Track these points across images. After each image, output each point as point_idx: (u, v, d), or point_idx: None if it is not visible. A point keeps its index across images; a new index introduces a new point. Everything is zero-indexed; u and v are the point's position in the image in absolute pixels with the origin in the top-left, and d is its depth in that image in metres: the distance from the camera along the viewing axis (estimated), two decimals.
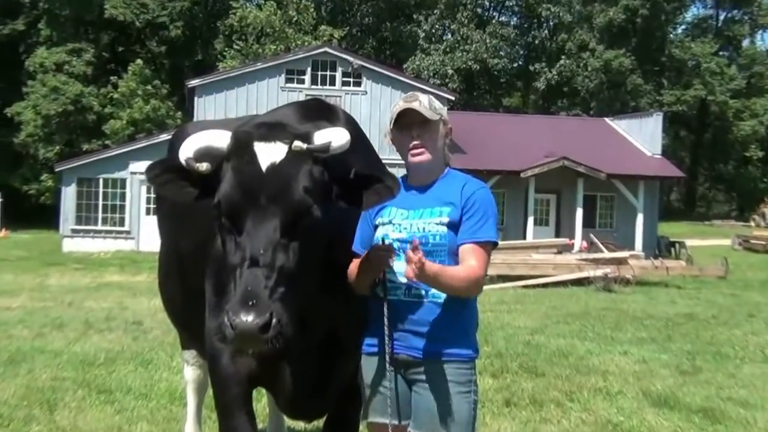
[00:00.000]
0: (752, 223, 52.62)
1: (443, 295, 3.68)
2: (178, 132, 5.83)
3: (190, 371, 6.11)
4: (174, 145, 5.39)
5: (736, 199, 72.08)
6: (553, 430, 7.23)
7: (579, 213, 33.61)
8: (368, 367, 3.85)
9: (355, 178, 3.52)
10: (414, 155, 3.81)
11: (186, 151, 3.45)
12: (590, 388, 8.79)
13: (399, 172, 3.91)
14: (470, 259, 3.65)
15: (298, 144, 3.33)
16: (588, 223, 34.19)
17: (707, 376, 9.88)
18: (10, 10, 53.50)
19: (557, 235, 33.74)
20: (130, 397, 7.89)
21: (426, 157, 3.80)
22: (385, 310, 3.70)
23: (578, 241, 31.67)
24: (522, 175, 32.68)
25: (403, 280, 3.66)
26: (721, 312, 16.77)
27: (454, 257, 3.69)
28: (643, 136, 38.18)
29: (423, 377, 3.72)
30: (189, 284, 4.71)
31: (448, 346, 3.70)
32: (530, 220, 33.61)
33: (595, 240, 28.51)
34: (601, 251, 25.95)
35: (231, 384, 4.05)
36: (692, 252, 32.49)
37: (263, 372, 4.01)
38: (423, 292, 3.69)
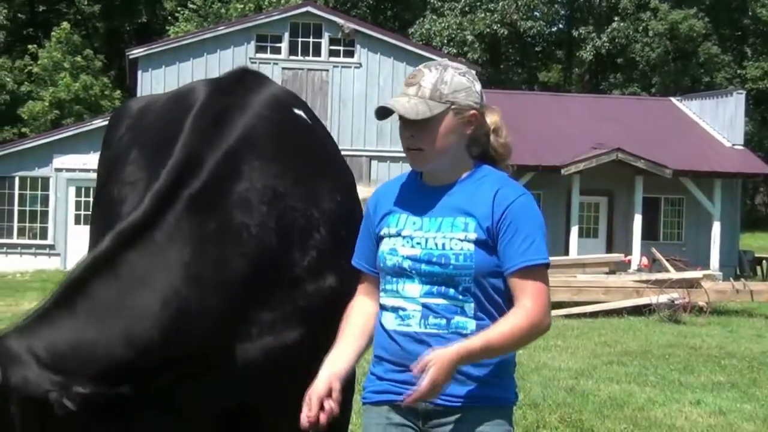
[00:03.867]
0: None
1: (470, 324, 3.59)
2: (120, 109, 5.82)
3: None
4: (113, 127, 5.46)
5: None
6: None
7: (637, 220, 33.60)
8: (371, 420, 3.76)
9: None
10: (410, 158, 3.70)
11: None
12: None
13: (403, 168, 3.92)
14: (523, 295, 3.56)
15: None
16: (649, 234, 34.18)
17: None
18: None
19: (609, 249, 33.74)
20: None
21: (423, 161, 3.68)
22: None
23: (636, 258, 31.66)
24: (563, 171, 32.69)
25: (417, 307, 3.62)
26: None
27: (480, 282, 3.60)
28: (720, 122, 38.17)
29: (447, 428, 3.64)
30: None
31: (480, 388, 3.62)
32: (574, 230, 33.59)
33: (659, 256, 28.47)
34: (667, 270, 25.94)
35: None
36: None
37: None
38: (444, 322, 3.59)
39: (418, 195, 3.75)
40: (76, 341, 3.61)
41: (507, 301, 3.62)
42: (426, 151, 3.63)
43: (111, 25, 60.34)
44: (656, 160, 32.88)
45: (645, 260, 30.22)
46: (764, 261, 35.08)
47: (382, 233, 3.75)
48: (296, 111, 4.78)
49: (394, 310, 3.68)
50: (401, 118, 3.60)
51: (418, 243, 3.64)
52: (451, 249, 3.58)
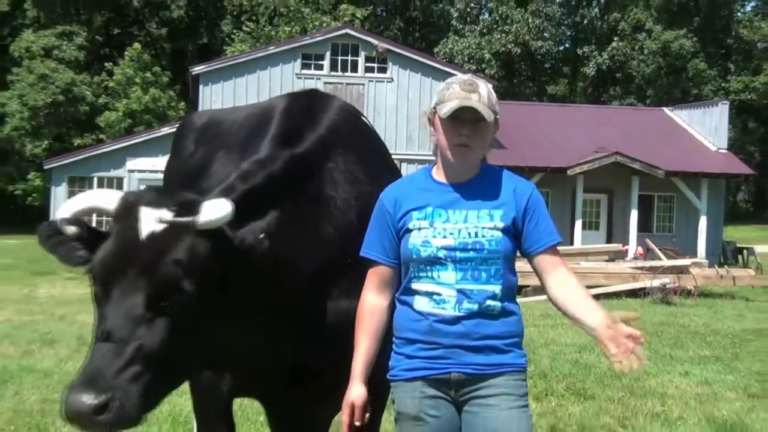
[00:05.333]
0: None
1: (497, 306, 3.67)
2: (183, 123, 5.89)
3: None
4: (180, 138, 5.55)
5: None
6: None
7: (634, 215, 33.49)
8: (405, 395, 3.73)
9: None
10: (457, 154, 3.70)
11: (64, 210, 3.52)
12: (646, 414, 8.77)
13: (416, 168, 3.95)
14: (559, 267, 3.77)
15: (161, 216, 3.36)
16: (644, 226, 34.07)
17: None
18: None
19: (609, 240, 33.61)
20: None
21: (470, 159, 3.73)
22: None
23: (633, 248, 31.53)
24: (569, 172, 32.60)
25: (452, 292, 3.64)
26: None
27: (506, 264, 3.69)
28: (706, 129, 37.98)
29: (479, 393, 3.67)
30: None
31: (504, 356, 3.69)
32: (578, 223, 33.48)
33: (652, 246, 28.35)
34: (659, 259, 25.83)
35: (210, 401, 4.28)
36: (762, 259, 32.29)
37: (243, 388, 4.23)
38: (476, 306, 3.63)
39: (439, 191, 3.77)
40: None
41: (514, 289, 3.79)
42: (474, 150, 3.71)
43: (176, 45, 60.54)
44: (650, 162, 32.74)
45: (640, 249, 30.07)
46: (745, 250, 34.83)
47: (409, 227, 3.73)
48: (362, 117, 4.90)
49: (428, 294, 3.68)
50: (458, 117, 3.64)
51: (451, 233, 3.66)
52: (483, 236, 3.64)
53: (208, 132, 5.35)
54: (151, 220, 3.34)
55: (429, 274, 3.68)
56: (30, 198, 49.27)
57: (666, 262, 24.57)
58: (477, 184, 3.75)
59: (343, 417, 3.72)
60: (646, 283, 21.85)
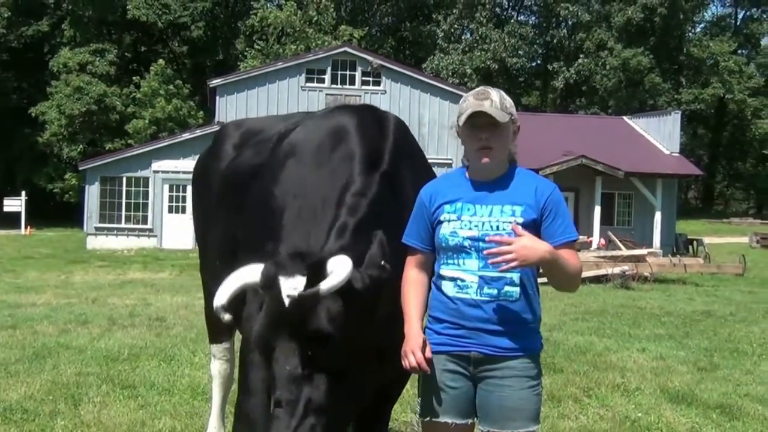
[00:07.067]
0: None
1: (516, 293, 3.66)
2: (221, 131, 5.93)
3: (217, 365, 6.11)
4: (219, 144, 5.67)
5: (754, 197, 71.77)
6: (571, 425, 7.22)
7: (597, 211, 33.48)
8: (431, 366, 3.74)
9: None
10: (480, 156, 3.71)
11: (220, 297, 3.55)
12: (608, 385, 8.76)
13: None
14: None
15: (297, 290, 3.37)
16: (606, 220, 34.04)
17: (725, 372, 9.85)
18: (34, 11, 53.87)
19: None
20: (153, 393, 7.93)
21: (493, 159, 3.71)
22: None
23: (596, 239, 31.52)
24: (540, 173, 32.44)
25: (475, 278, 3.66)
26: (739, 309, 16.70)
27: None
28: (661, 135, 38.01)
29: (494, 373, 3.69)
30: None
31: (520, 341, 3.68)
32: None
33: (613, 238, 28.37)
34: (619, 249, 25.85)
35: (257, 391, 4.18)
36: (710, 249, 32.37)
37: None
38: (496, 292, 3.65)
39: (469, 188, 3.78)
40: (350, 243, 3.70)
41: (534, 277, 3.75)
42: (495, 150, 3.71)
43: (196, 61, 60.39)
44: (612, 164, 32.72)
45: (602, 241, 30.07)
46: (695, 242, 34.87)
47: (441, 218, 3.77)
48: (407, 128, 4.84)
49: (453, 280, 3.72)
50: (474, 123, 3.67)
51: (476, 226, 3.69)
52: (504, 229, 3.63)
53: (250, 139, 5.37)
54: (290, 290, 3.36)
55: (455, 261, 3.73)
56: (67, 195, 49.35)
57: (625, 252, 24.60)
58: (503, 183, 3.76)
59: (406, 363, 3.69)
60: (607, 270, 21.87)
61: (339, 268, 3.39)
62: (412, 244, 3.86)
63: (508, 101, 3.74)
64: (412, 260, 3.88)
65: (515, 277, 3.65)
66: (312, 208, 4.05)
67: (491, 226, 3.65)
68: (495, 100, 3.67)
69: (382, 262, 3.50)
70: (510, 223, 3.62)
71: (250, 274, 3.52)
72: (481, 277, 3.65)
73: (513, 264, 3.45)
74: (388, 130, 4.38)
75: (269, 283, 3.41)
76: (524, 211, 3.66)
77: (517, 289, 3.66)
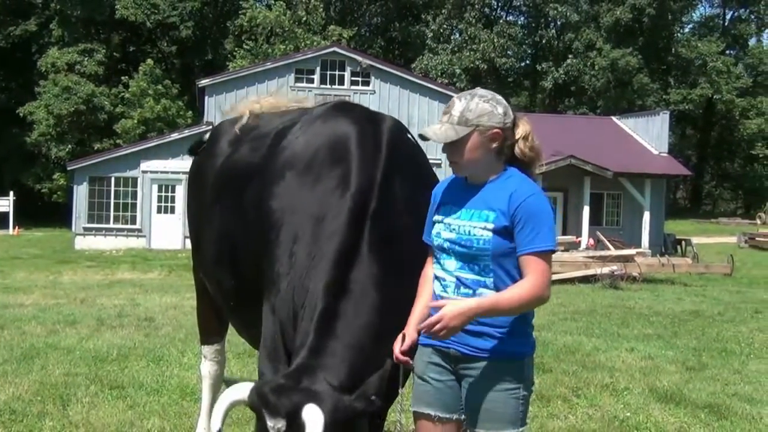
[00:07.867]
0: (758, 221, 52.57)
1: (492, 293, 3.64)
2: (216, 129, 5.87)
3: (207, 366, 6.08)
4: (216, 143, 5.61)
5: (742, 197, 71.85)
6: (560, 425, 7.24)
7: (586, 211, 33.58)
8: (419, 357, 3.85)
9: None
10: (452, 169, 3.78)
11: (216, 421, 3.57)
12: (597, 384, 8.79)
13: (447, 172, 3.97)
14: (528, 273, 3.59)
15: None
16: (595, 220, 34.15)
17: (713, 372, 9.89)
18: (22, 11, 53.58)
19: (564, 232, 33.63)
20: (142, 393, 7.92)
21: (462, 171, 3.75)
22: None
23: (585, 239, 31.62)
24: None
25: (453, 279, 3.74)
26: (727, 309, 16.76)
27: (497, 261, 3.64)
28: (649, 135, 38.13)
29: (471, 372, 3.72)
30: (242, 271, 4.76)
31: (498, 343, 3.66)
32: None
33: (602, 237, 28.44)
34: (608, 249, 25.91)
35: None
36: (698, 249, 32.45)
37: None
38: (471, 292, 3.68)
39: (462, 191, 3.81)
40: (353, 360, 3.70)
41: (522, 278, 3.67)
42: (459, 163, 3.72)
43: (184, 61, 60.29)
44: (600, 164, 32.83)
45: (591, 241, 30.17)
46: (683, 242, 34.96)
47: (434, 219, 3.86)
48: (408, 136, 4.76)
49: (438, 279, 3.82)
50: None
51: (454, 229, 3.74)
52: (474, 235, 3.66)
53: (246, 135, 5.30)
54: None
55: (440, 261, 3.82)
56: (55, 195, 49.16)
57: (614, 252, 24.65)
58: (490, 187, 3.73)
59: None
60: (596, 270, 21.92)
61: (312, 427, 3.39)
62: (426, 241, 3.93)
63: (475, 111, 3.65)
64: (430, 258, 3.94)
65: (489, 281, 3.66)
66: (306, 244, 4.10)
67: (465, 231, 3.69)
68: (455, 114, 3.65)
69: (373, 397, 3.52)
70: (481, 228, 3.64)
71: (238, 393, 3.59)
72: (457, 277, 3.72)
73: (442, 335, 3.52)
74: (382, 145, 4.28)
75: (256, 411, 3.51)
76: (496, 217, 3.63)
77: (492, 293, 3.64)
